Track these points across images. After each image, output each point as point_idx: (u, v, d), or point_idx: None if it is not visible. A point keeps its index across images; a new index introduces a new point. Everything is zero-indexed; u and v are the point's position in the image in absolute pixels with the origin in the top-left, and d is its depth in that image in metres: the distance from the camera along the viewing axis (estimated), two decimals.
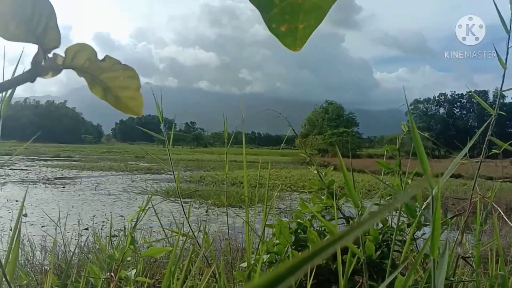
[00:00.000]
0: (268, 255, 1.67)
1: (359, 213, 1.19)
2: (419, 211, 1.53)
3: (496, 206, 1.64)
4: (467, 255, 1.62)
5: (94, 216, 10.80)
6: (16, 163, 32.40)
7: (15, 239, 1.06)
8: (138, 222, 1.78)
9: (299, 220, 1.83)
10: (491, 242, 1.77)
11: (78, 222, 7.13)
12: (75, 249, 2.90)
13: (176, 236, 1.91)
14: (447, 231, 1.66)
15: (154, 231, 9.65)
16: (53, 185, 18.57)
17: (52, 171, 26.74)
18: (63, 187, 17.89)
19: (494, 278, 1.42)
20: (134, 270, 1.53)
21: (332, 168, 2.00)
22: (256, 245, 1.82)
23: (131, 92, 0.42)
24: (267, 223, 1.78)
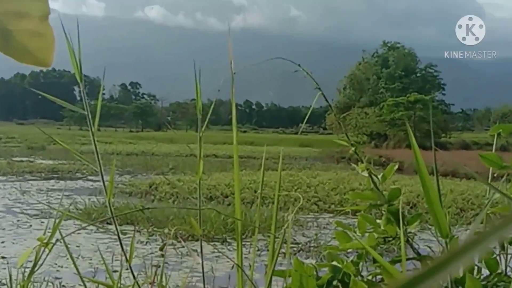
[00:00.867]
0: None
1: (448, 248, 1.20)
2: None
3: None
4: None
5: None
6: None
7: None
8: (35, 269, 1.78)
9: (334, 262, 1.86)
10: None
11: None
12: None
13: None
14: None
15: (65, 285, 9.75)
16: None
17: None
18: None
19: None
20: None
21: (395, 166, 2.01)
22: None
23: (32, 22, 0.41)
24: (276, 269, 1.80)
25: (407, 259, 1.78)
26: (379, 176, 1.98)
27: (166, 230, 12.96)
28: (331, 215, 17.61)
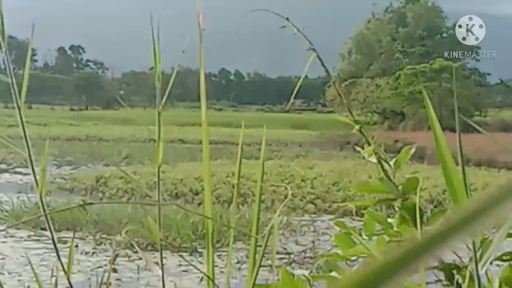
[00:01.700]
0: None
1: (479, 255, 1.22)
2: None
3: None
4: None
5: None
6: None
7: None
8: None
9: (334, 273, 1.87)
10: None
11: None
12: None
13: None
14: None
15: None
16: None
17: None
18: None
19: None
20: None
21: (412, 149, 2.02)
22: None
23: None
24: (258, 282, 1.81)
25: (427, 269, 1.80)
26: (391, 163, 1.99)
27: (118, 237, 12.97)
28: (332, 216, 17.72)
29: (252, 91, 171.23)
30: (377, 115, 77.48)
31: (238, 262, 11.99)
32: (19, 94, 1.77)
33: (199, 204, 18.63)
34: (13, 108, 1.79)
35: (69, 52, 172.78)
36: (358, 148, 2.10)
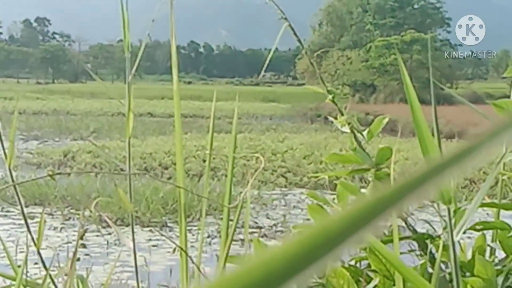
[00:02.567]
0: None
1: (452, 223, 1.23)
2: None
3: None
4: None
5: None
6: None
7: None
8: None
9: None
10: None
11: None
12: None
13: None
14: None
15: None
16: None
17: None
18: None
19: None
20: None
21: (384, 120, 2.03)
22: None
23: None
24: (230, 255, 1.81)
25: (401, 239, 1.81)
26: (365, 133, 1.99)
27: (87, 212, 12.92)
28: (304, 190, 17.78)
29: (222, 64, 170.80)
30: (348, 87, 77.60)
31: (208, 237, 12.02)
32: None
33: (169, 178, 18.58)
34: None
35: (34, 24, 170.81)
36: (331, 119, 2.10)
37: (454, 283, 1.41)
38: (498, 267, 1.86)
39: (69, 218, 13.96)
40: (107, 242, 12.01)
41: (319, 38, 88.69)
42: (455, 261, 1.34)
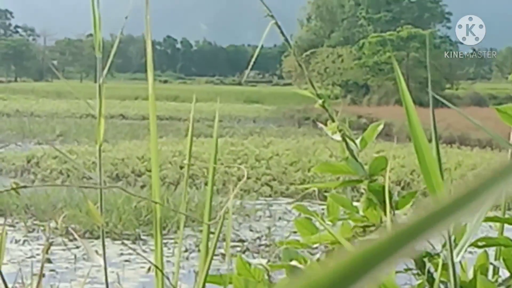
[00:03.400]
0: None
1: (452, 240, 1.24)
2: None
3: None
4: None
5: None
6: None
7: None
8: None
9: (294, 262, 1.88)
10: None
11: None
12: None
13: None
14: None
15: None
16: None
17: None
18: None
19: None
20: None
21: (379, 126, 2.04)
22: None
23: None
24: (210, 274, 1.81)
25: None
26: (357, 141, 2.00)
27: (52, 224, 12.88)
28: (290, 200, 17.78)
29: (201, 61, 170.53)
30: (339, 88, 77.71)
31: (186, 251, 11.99)
32: None
33: (142, 186, 18.56)
34: None
35: None
36: (321, 125, 2.10)
37: None
38: (502, 287, 1.87)
39: (33, 230, 13.89)
40: (75, 256, 11.96)
41: (307, 33, 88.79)
42: (455, 281, 1.35)
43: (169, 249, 11.98)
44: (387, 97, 64.47)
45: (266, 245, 13.22)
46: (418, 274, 1.94)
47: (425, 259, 1.94)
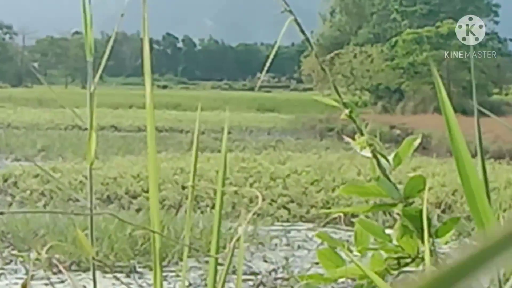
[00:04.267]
0: None
1: (501, 274, 1.25)
2: None
3: None
4: None
5: None
6: None
7: None
8: None
9: None
10: None
11: None
12: None
13: None
14: None
15: None
16: None
17: None
18: None
19: None
20: None
21: (416, 141, 2.04)
22: None
23: None
24: None
25: None
26: (390, 158, 2.00)
27: (33, 254, 12.89)
28: (311, 225, 17.77)
29: (206, 63, 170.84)
30: (368, 93, 77.70)
31: (190, 286, 11.98)
32: None
33: (138, 210, 18.56)
34: None
35: None
36: (347, 139, 2.10)
37: None
38: None
39: (10, 262, 13.91)
40: None
41: (330, 30, 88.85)
42: None
43: (169, 283, 11.99)
44: (424, 104, 64.36)
45: (284, 279, 13.19)
46: None
47: None
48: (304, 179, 22.37)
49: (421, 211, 1.89)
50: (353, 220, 2.10)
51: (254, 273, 13.65)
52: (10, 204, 19.47)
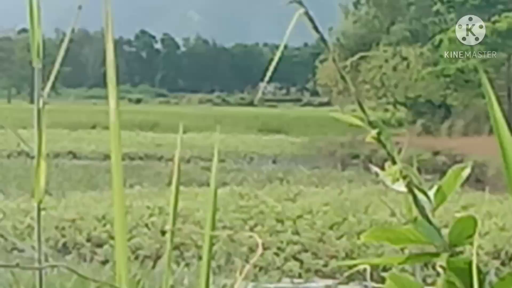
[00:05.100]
0: None
1: None
2: None
3: None
4: None
5: None
6: None
7: None
8: None
9: None
10: None
11: None
12: None
13: None
14: None
15: None
16: None
17: None
18: None
19: None
20: None
21: (465, 171, 2.04)
22: None
23: None
24: None
25: None
26: (431, 193, 1.99)
27: None
28: (329, 282, 17.77)
29: (193, 70, 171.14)
30: (404, 109, 77.74)
31: None
32: None
33: (104, 262, 18.56)
34: None
35: None
36: (375, 169, 2.10)
37: None
38: None
39: None
40: None
41: (355, 26, 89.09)
42: None
43: None
44: (478, 123, 64.39)
45: None
46: None
47: None
48: (321, 221, 22.37)
49: (471, 263, 1.89)
50: (384, 275, 2.10)
51: None
52: None
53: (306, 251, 19.79)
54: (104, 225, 21.07)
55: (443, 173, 2.14)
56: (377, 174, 2.13)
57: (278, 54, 2.19)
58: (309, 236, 20.77)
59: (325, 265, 18.90)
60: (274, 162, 48.31)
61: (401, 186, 2.02)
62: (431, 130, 68.51)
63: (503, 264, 18.27)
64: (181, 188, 2.42)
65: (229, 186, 29.94)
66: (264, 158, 49.46)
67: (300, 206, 24.71)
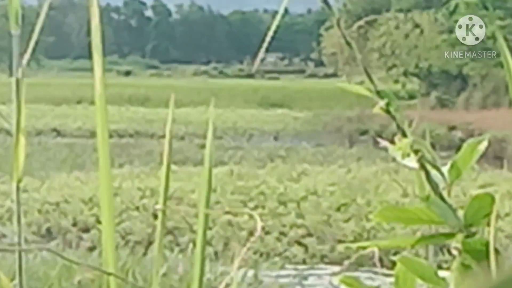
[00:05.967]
0: None
1: None
2: None
3: None
4: None
5: None
6: None
7: None
8: None
9: None
10: None
11: None
12: None
13: None
14: None
15: None
16: None
17: None
18: None
19: None
20: None
21: (481, 145, 2.04)
22: None
23: None
24: None
25: None
26: (445, 170, 1.98)
27: None
28: (336, 268, 17.76)
29: (187, 39, 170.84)
30: (417, 79, 77.57)
31: None
32: None
33: (91, 248, 18.56)
34: None
35: None
36: (384, 143, 2.09)
37: None
38: None
39: None
40: None
41: None
42: None
43: None
44: (497, 96, 64.27)
45: None
46: None
47: None
48: (327, 202, 22.31)
49: (486, 244, 1.89)
50: (394, 259, 2.09)
51: None
52: None
53: (310, 235, 19.76)
54: (91, 208, 21.04)
55: (460, 149, 2.11)
56: (386, 150, 2.11)
57: (277, 20, 2.17)
58: (314, 219, 20.74)
59: (332, 251, 18.88)
60: (275, 139, 48.27)
61: (412, 162, 2.00)
62: (446, 103, 68.39)
63: None
64: (175, 167, 2.40)
65: (227, 165, 29.88)
66: (265, 135, 49.38)
67: (304, 187, 24.65)
